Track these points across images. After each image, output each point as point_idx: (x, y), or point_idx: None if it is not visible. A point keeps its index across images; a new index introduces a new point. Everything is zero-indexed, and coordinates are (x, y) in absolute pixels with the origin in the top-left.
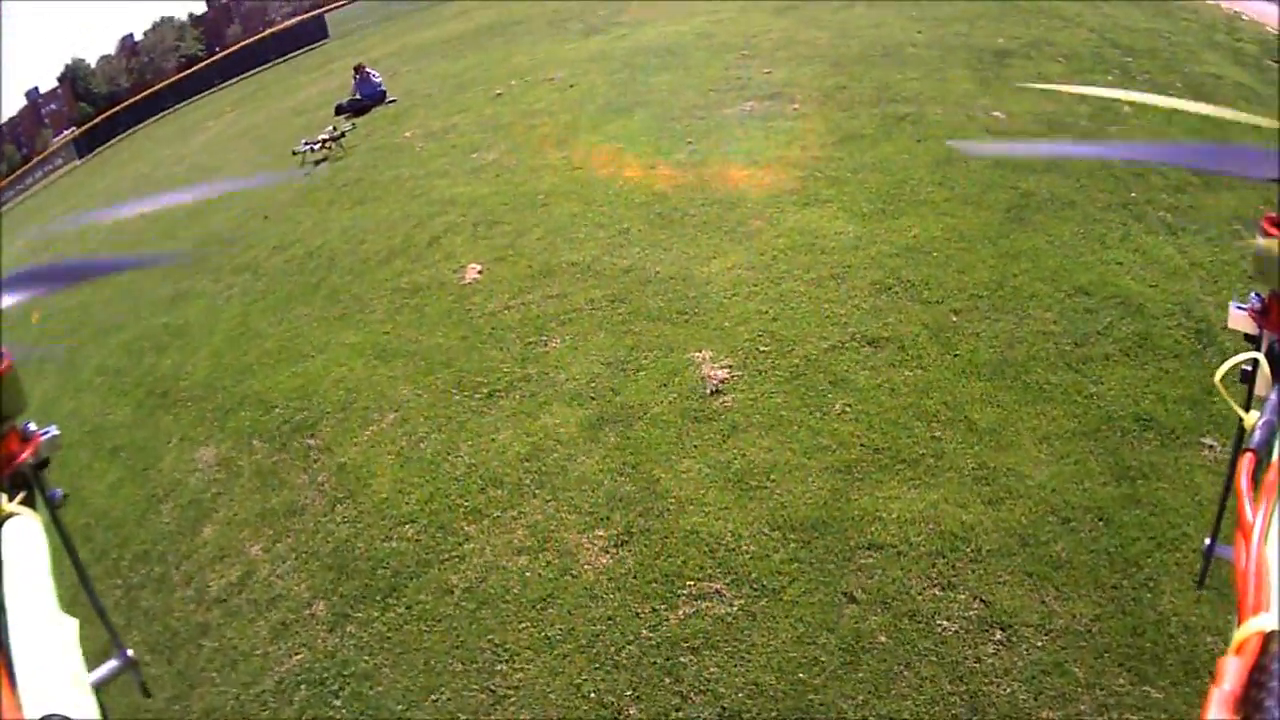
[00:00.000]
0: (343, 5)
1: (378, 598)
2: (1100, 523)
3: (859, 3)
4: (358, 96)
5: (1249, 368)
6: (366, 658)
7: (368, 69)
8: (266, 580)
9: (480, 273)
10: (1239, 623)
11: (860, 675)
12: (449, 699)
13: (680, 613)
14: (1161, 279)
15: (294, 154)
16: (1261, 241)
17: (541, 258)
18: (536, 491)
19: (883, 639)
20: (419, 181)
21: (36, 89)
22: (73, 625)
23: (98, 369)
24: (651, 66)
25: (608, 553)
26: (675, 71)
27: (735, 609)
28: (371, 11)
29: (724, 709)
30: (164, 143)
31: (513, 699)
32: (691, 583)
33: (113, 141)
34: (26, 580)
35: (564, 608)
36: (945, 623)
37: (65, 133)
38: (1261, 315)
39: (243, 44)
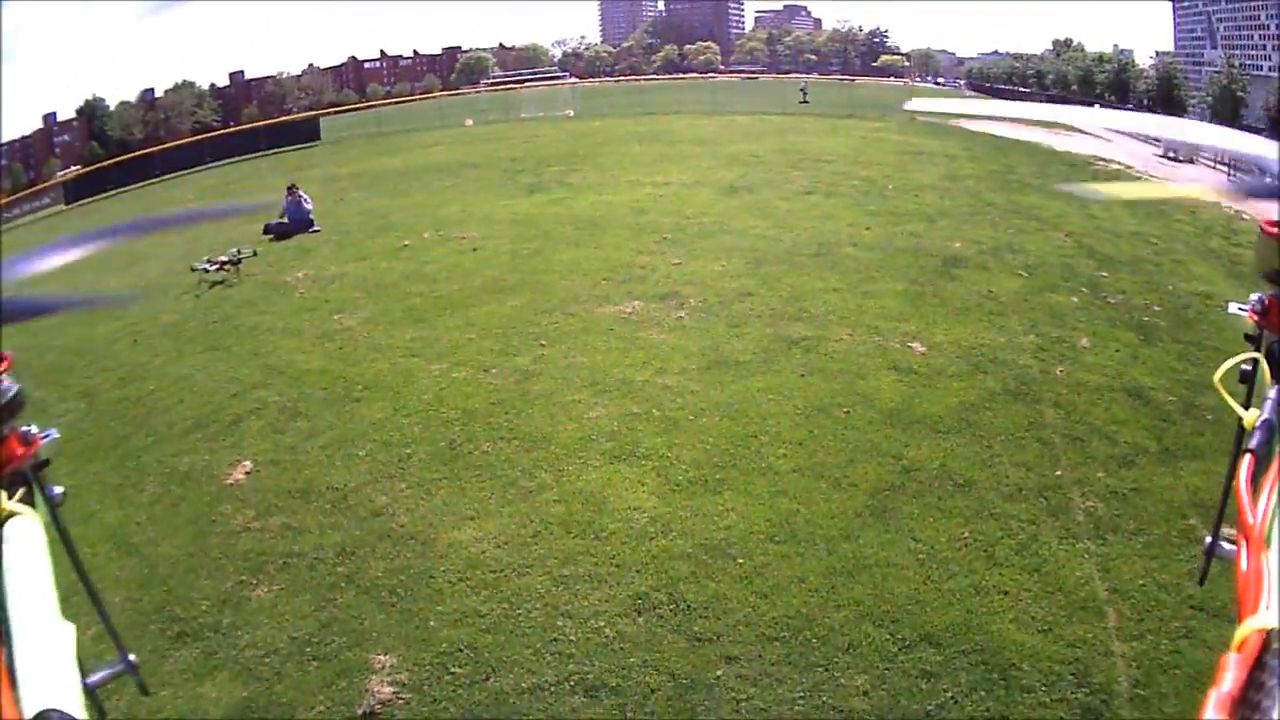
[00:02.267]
0: (345, 111)
1: None
2: None
3: (816, 193)
4: (284, 220)
5: (1248, 368)
6: None
7: (300, 192)
8: None
9: (246, 474)
10: (1239, 621)
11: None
12: None
13: None
14: (1060, 622)
15: (193, 269)
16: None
17: (310, 474)
18: None
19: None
20: (271, 338)
21: (54, 115)
22: (70, 630)
23: None
24: (565, 239)
25: None
26: (585, 248)
27: None
28: (365, 124)
29: None
30: (131, 214)
31: None
32: None
33: (98, 197)
34: (26, 581)
35: None
36: None
37: (70, 169)
38: (1261, 315)
39: (238, 129)
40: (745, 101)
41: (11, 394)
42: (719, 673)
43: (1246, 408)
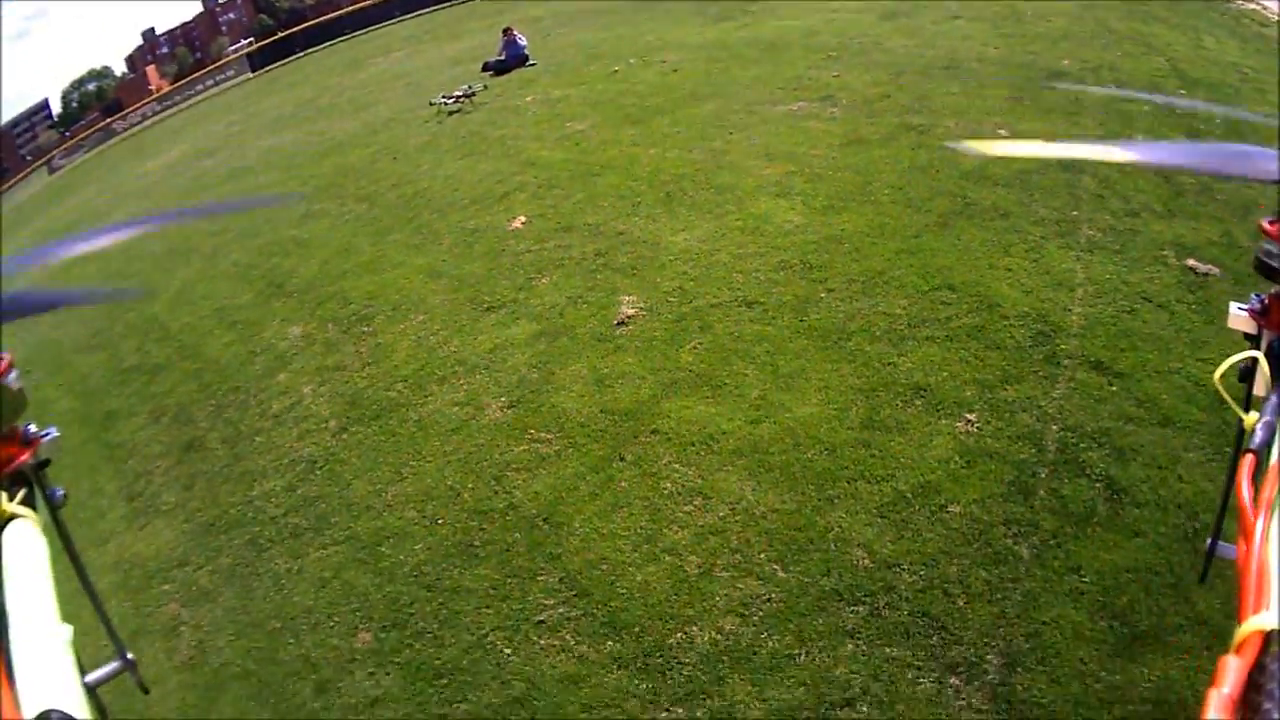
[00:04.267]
0: None
1: (367, 420)
2: (825, 452)
3: (963, 18)
4: (503, 57)
5: (1248, 366)
6: (347, 453)
7: (515, 32)
8: (306, 406)
9: (523, 223)
10: (1239, 621)
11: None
12: (395, 481)
13: (519, 449)
14: (1041, 288)
15: (431, 104)
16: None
17: (570, 217)
18: (480, 371)
19: (624, 483)
20: (517, 143)
21: None
22: (68, 630)
23: (234, 263)
24: (747, 59)
25: (502, 410)
26: (764, 66)
27: (555, 450)
28: None
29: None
30: (331, 71)
31: (420, 473)
32: (534, 431)
33: (285, 61)
34: (26, 581)
35: (466, 435)
36: (668, 484)
37: (242, 43)
38: (1261, 315)
39: None
40: None
41: (12, 394)
42: (822, 295)
43: (1247, 408)
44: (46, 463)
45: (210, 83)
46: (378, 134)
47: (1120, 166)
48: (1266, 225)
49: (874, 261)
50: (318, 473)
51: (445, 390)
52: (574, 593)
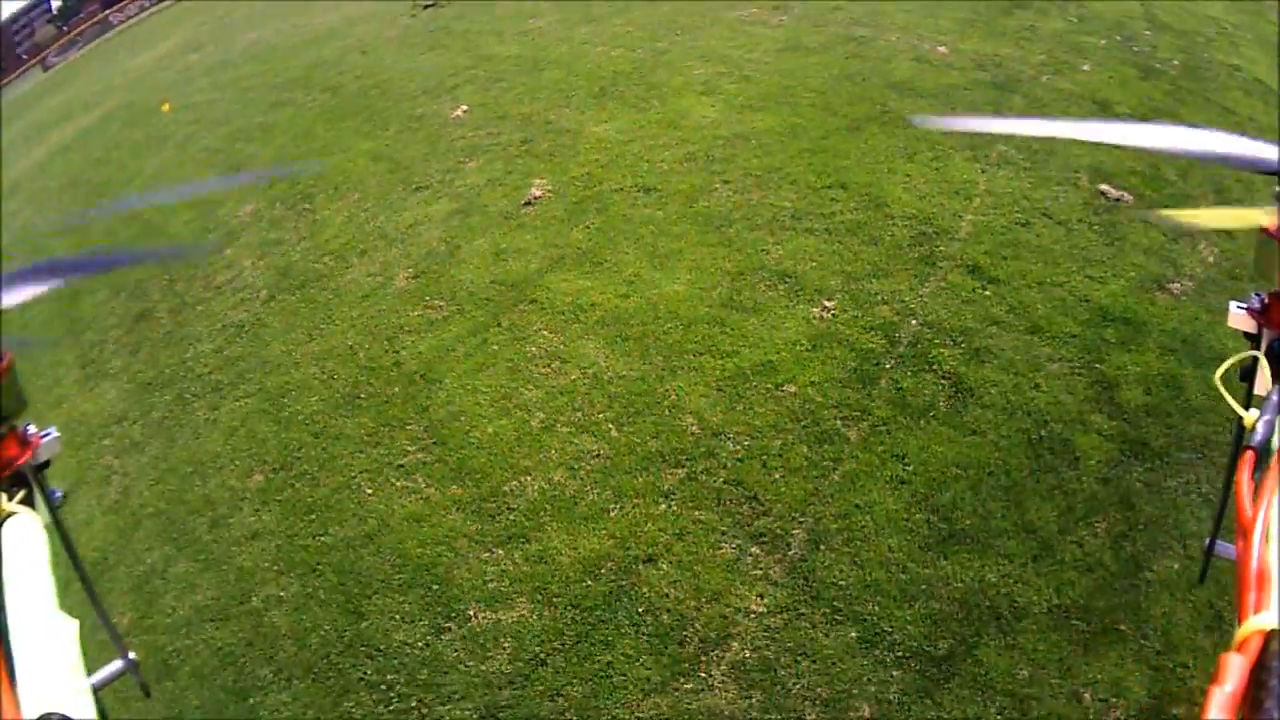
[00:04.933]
0: None
1: (293, 289)
2: (681, 326)
3: None
4: None
5: (1249, 365)
6: (272, 318)
7: None
8: (244, 278)
9: (464, 112)
10: (1240, 621)
11: (478, 357)
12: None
13: (414, 314)
14: (935, 194)
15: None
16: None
17: (507, 108)
18: (397, 244)
19: (495, 346)
20: (479, 38)
21: None
22: (73, 626)
23: (203, 148)
24: None
25: (407, 280)
26: None
27: (444, 316)
28: None
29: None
30: None
31: (327, 334)
32: (429, 299)
33: None
34: (26, 580)
35: (373, 302)
36: (533, 348)
37: None
38: (1261, 314)
39: None
40: None
41: (12, 395)
42: (717, 186)
43: (1246, 406)
44: (46, 464)
45: None
46: (355, 27)
47: (1060, 93)
48: (1265, 224)
49: (775, 158)
50: (244, 336)
51: (364, 262)
52: (433, 441)
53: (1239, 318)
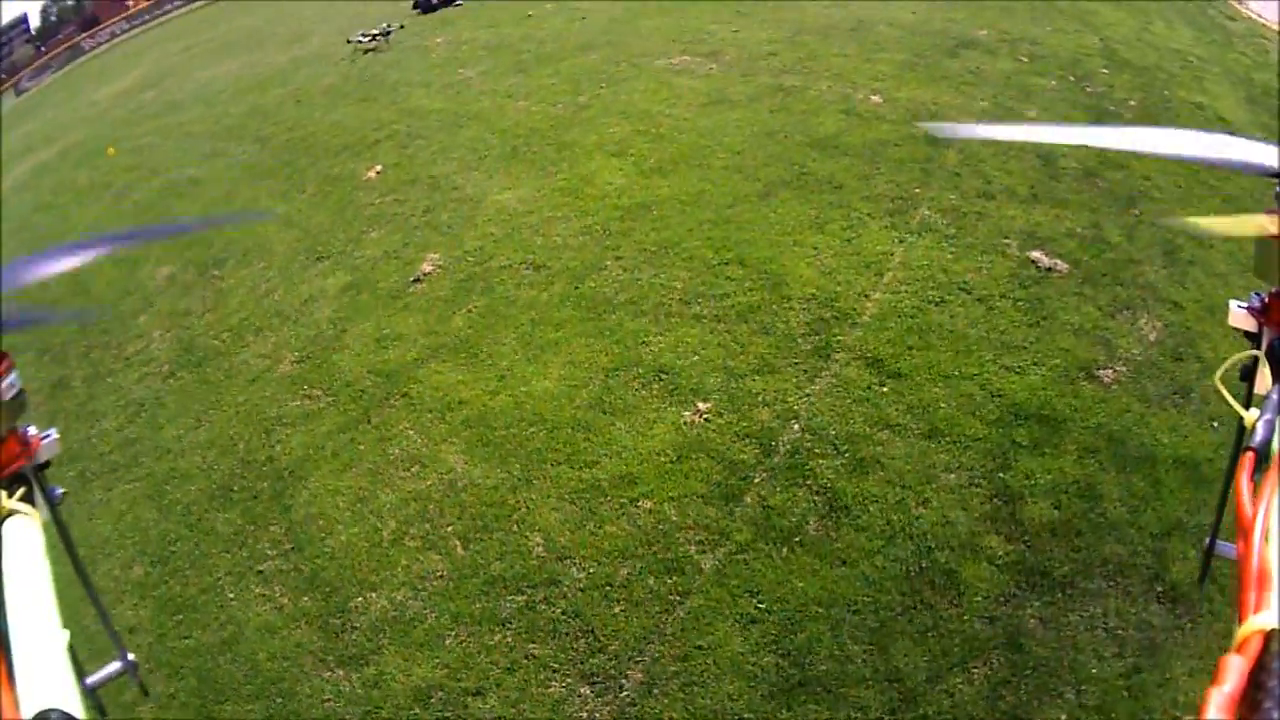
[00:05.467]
0: None
1: (192, 366)
2: (545, 430)
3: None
4: None
5: (1249, 365)
6: (169, 397)
7: None
8: (151, 350)
9: (377, 174)
10: (1239, 621)
11: (345, 456)
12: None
13: (293, 404)
14: (843, 269)
15: (348, 42)
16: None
17: (419, 169)
18: (290, 323)
19: (362, 445)
20: (408, 90)
21: None
22: (64, 637)
23: (134, 202)
24: (658, 9)
25: (292, 364)
26: (670, 17)
27: (320, 407)
28: None
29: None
30: None
31: (214, 421)
32: (308, 388)
33: None
34: (26, 581)
35: (260, 387)
36: (396, 450)
37: None
38: (1261, 313)
39: None
40: None
41: (12, 394)
42: (608, 263)
43: (1247, 406)
44: (46, 464)
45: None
46: (299, 71)
47: (998, 145)
48: (1266, 224)
49: (674, 230)
50: (143, 415)
51: (258, 341)
52: (291, 546)
53: (1239, 316)
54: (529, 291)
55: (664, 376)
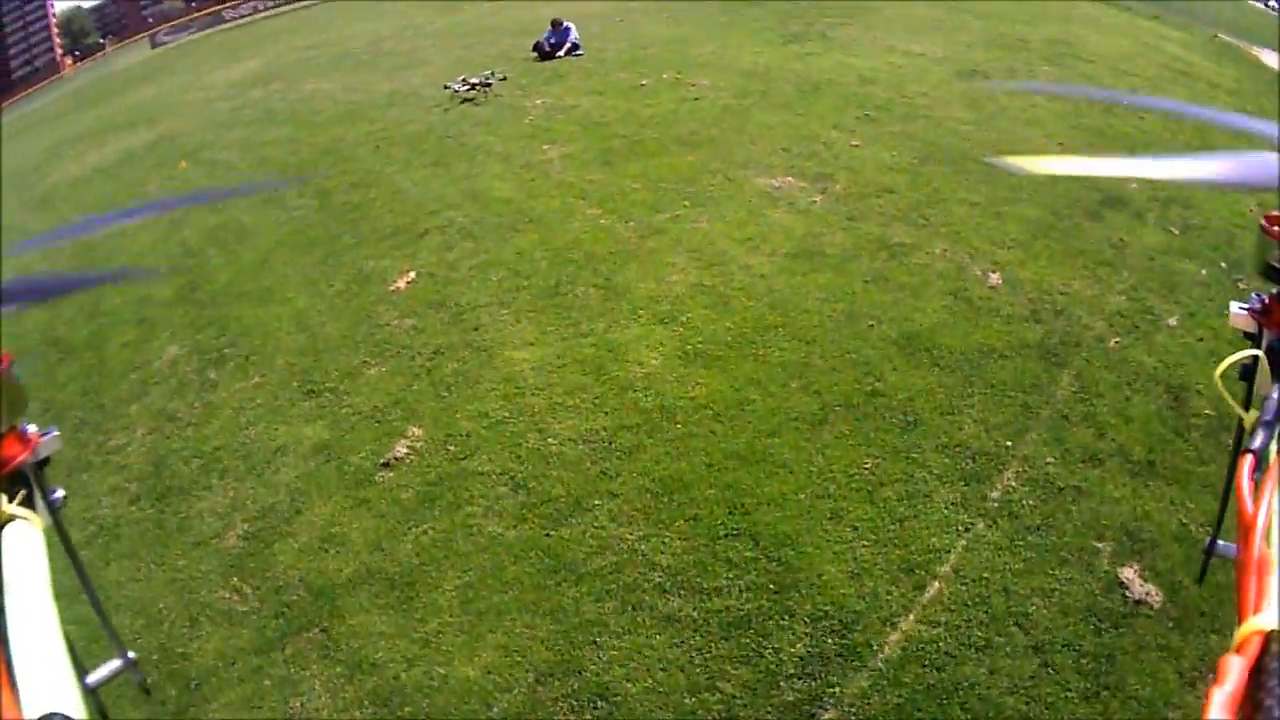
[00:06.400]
0: None
1: (154, 497)
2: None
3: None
4: (550, 43)
5: (1249, 365)
6: (126, 529)
7: (566, 24)
8: (129, 454)
9: (407, 283)
10: (1239, 621)
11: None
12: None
13: (220, 595)
14: (876, 569)
15: (445, 88)
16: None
17: (449, 290)
18: (252, 477)
19: (266, 681)
20: (483, 160)
21: None
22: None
23: (180, 242)
24: (779, 101)
25: (238, 539)
26: (787, 114)
27: (243, 611)
28: None
29: None
30: (426, 6)
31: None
32: (241, 581)
33: None
34: (25, 582)
35: (201, 557)
36: (295, 704)
37: None
38: (1261, 314)
39: None
40: None
41: (12, 393)
42: (597, 502)
43: (1246, 407)
44: (46, 462)
45: None
46: (391, 109)
47: (1120, 373)
48: (1267, 224)
49: (691, 462)
50: (98, 541)
51: (220, 487)
52: None
53: (1240, 318)
54: (494, 526)
55: (600, 705)
